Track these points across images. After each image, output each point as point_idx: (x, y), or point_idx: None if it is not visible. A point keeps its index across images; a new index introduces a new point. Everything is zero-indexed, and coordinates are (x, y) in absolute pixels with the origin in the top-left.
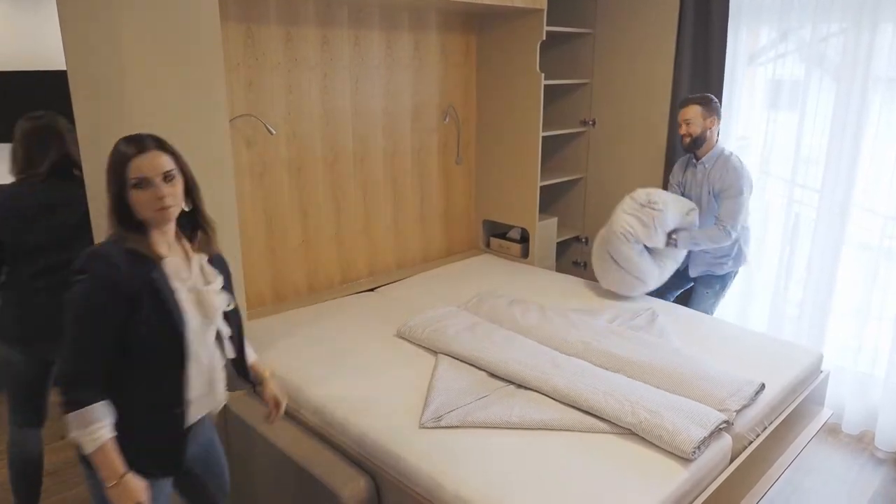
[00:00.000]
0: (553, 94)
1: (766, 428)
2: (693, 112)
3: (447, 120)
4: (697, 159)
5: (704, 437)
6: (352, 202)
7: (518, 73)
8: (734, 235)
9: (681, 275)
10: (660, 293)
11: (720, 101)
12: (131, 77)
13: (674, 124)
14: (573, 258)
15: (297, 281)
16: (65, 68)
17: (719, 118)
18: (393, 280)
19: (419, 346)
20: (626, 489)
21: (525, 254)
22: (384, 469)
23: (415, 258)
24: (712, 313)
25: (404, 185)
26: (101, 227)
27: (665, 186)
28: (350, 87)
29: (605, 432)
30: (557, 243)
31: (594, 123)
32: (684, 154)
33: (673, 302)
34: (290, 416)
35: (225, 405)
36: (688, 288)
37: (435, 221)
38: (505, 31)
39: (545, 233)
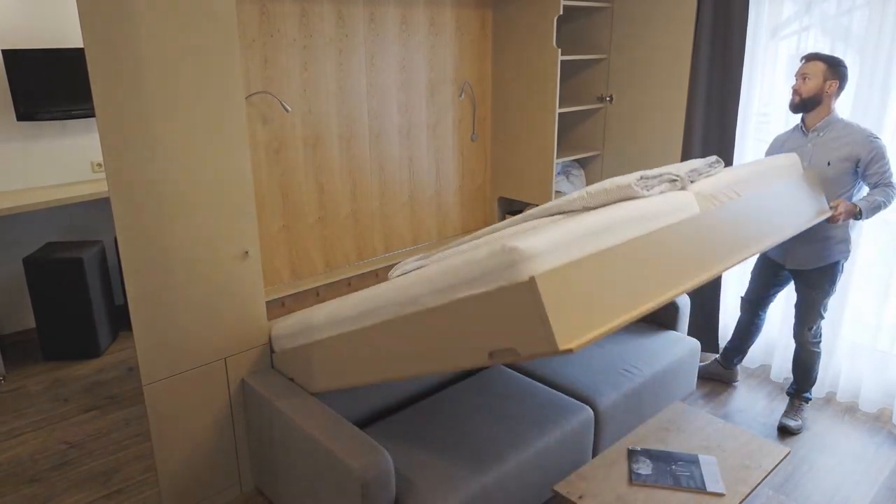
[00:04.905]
0: (570, 70)
1: None
2: (815, 68)
3: (463, 96)
4: (807, 128)
5: None
6: (367, 179)
7: (534, 48)
8: None
9: (774, 267)
10: (758, 295)
11: (740, 76)
12: (148, 55)
13: (693, 101)
14: None
15: (314, 258)
16: (83, 46)
17: (841, 89)
18: (409, 257)
19: None
20: None
21: None
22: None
23: (430, 235)
24: (823, 315)
25: (420, 161)
26: (118, 210)
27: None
28: (365, 63)
29: None
30: None
31: (611, 99)
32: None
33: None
34: (307, 391)
35: (242, 379)
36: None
37: (450, 198)
38: (521, 5)
39: None
